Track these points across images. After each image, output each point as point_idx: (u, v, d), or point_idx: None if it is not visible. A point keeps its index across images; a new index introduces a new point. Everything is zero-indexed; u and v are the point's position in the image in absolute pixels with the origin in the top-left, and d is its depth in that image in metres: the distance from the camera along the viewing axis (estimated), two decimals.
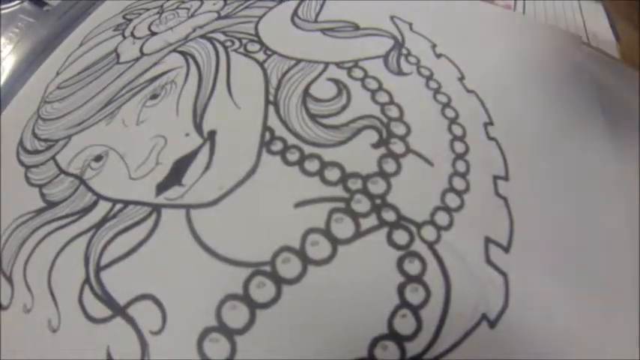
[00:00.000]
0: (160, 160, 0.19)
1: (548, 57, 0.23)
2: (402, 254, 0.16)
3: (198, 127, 0.19)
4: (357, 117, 0.19)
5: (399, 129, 0.19)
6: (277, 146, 0.19)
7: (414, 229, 0.17)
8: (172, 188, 0.18)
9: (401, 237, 0.17)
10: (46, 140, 0.22)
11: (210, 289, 0.16)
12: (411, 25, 0.23)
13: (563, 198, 0.19)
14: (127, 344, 0.16)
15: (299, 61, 0.21)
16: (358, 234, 0.17)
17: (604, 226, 0.18)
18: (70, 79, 0.24)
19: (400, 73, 0.21)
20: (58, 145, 0.21)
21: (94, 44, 0.25)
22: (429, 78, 0.21)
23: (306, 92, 0.20)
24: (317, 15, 0.23)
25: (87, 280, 0.17)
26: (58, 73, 0.25)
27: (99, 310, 0.17)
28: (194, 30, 0.24)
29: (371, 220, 0.17)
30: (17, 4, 0.29)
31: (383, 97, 0.20)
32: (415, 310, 0.16)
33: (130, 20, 0.26)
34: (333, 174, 0.18)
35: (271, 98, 0.20)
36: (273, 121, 0.19)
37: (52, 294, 0.18)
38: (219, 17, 0.24)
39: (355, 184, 0.18)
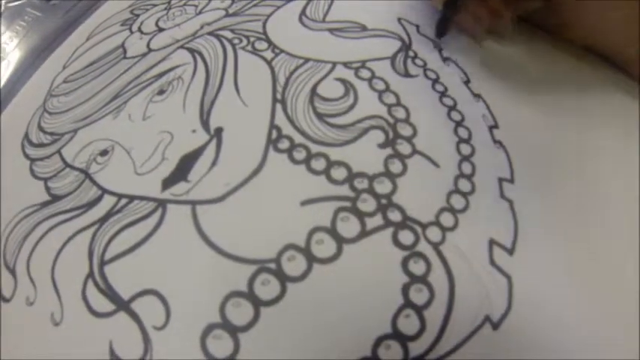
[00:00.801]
0: (166, 155, 0.19)
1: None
2: (407, 254, 0.16)
3: (205, 124, 0.19)
4: (364, 117, 0.19)
5: (405, 130, 0.19)
6: (284, 144, 0.19)
7: (419, 229, 0.17)
8: (178, 184, 0.18)
9: (406, 237, 0.17)
10: (51, 134, 0.22)
11: (215, 286, 0.16)
12: (418, 27, 0.23)
13: (568, 201, 0.19)
14: (130, 339, 0.16)
15: (307, 60, 0.21)
16: (364, 233, 0.17)
17: (608, 229, 0.18)
18: (77, 73, 0.24)
19: (407, 74, 0.21)
20: (63, 139, 0.21)
21: (101, 39, 0.25)
22: (436, 81, 0.21)
23: (313, 91, 0.20)
24: (325, 15, 0.23)
25: (91, 274, 0.17)
26: (64, 67, 0.25)
27: (102, 304, 0.17)
28: (202, 27, 0.24)
29: (376, 220, 0.17)
30: None
31: (390, 98, 0.20)
32: (419, 311, 0.16)
33: (138, 16, 0.26)
34: (339, 173, 0.18)
35: (279, 96, 0.20)
36: (281, 120, 0.19)
37: (55, 287, 0.18)
38: (227, 15, 0.24)
39: (361, 184, 0.18)
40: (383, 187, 0.18)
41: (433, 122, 0.20)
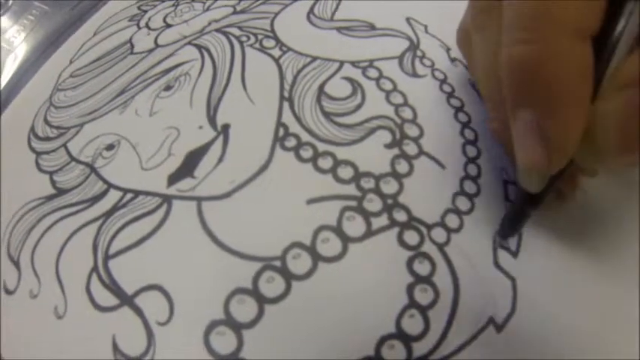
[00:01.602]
0: (172, 151, 0.19)
1: None
2: (412, 254, 0.16)
3: (212, 120, 0.19)
4: (371, 117, 0.19)
5: (412, 130, 0.19)
6: (291, 142, 0.19)
7: (424, 230, 0.17)
8: (184, 180, 0.18)
9: (411, 237, 0.17)
10: (57, 127, 0.22)
11: (219, 282, 0.16)
12: (426, 27, 0.23)
13: (572, 204, 0.19)
14: (133, 334, 0.16)
15: (314, 58, 0.21)
16: (369, 233, 0.17)
17: (612, 233, 0.18)
18: (84, 68, 0.24)
19: (415, 75, 0.21)
20: (69, 133, 0.21)
21: (109, 34, 0.25)
22: (443, 81, 0.21)
23: (321, 90, 0.20)
24: (333, 13, 0.23)
25: (95, 269, 0.17)
26: (71, 61, 0.25)
27: (106, 298, 0.17)
28: (209, 24, 0.24)
29: (382, 220, 0.17)
30: None
31: (397, 99, 0.20)
32: (423, 311, 0.16)
33: (145, 11, 0.26)
34: (346, 172, 0.18)
35: (286, 94, 0.20)
36: (288, 118, 0.19)
37: (59, 281, 0.18)
38: (235, 12, 0.24)
39: (368, 184, 0.18)
40: (389, 187, 0.18)
41: (440, 123, 0.20)
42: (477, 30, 0.17)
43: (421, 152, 0.19)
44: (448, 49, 0.22)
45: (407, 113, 0.20)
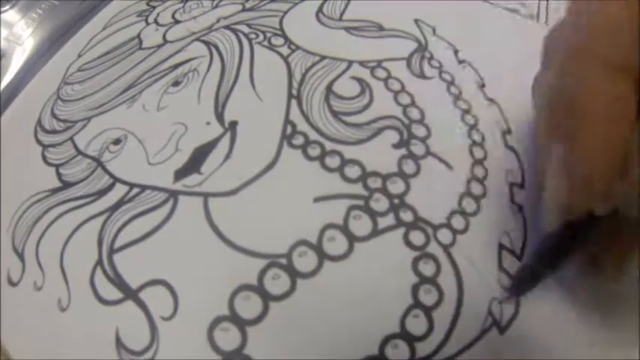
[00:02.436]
0: (179, 146, 0.19)
1: None
2: (417, 255, 0.16)
3: (220, 117, 0.20)
4: (378, 117, 0.19)
5: (419, 131, 0.19)
6: (298, 140, 0.19)
7: (430, 230, 0.17)
8: (191, 176, 0.18)
9: (417, 238, 0.17)
10: (64, 121, 0.22)
11: (224, 278, 0.16)
12: (434, 29, 0.23)
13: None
14: (137, 328, 0.16)
15: (323, 57, 0.21)
16: (375, 232, 0.17)
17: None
18: (92, 62, 0.24)
19: (422, 76, 0.21)
20: (76, 127, 0.21)
21: (117, 29, 0.25)
22: (451, 83, 0.21)
23: (329, 89, 0.20)
24: (342, 13, 0.23)
25: (99, 262, 0.17)
26: (79, 56, 0.25)
27: (110, 292, 0.17)
28: (218, 20, 0.24)
29: (388, 220, 0.17)
30: None
31: (405, 99, 0.20)
32: (428, 311, 0.16)
33: (154, 7, 0.26)
34: (353, 171, 0.18)
35: (294, 92, 0.20)
36: (295, 116, 0.19)
37: (63, 273, 0.18)
38: (244, 9, 0.24)
39: (375, 183, 0.18)
40: (396, 187, 0.18)
41: (447, 124, 0.20)
42: None
43: (428, 153, 0.19)
44: (456, 51, 0.22)
45: (414, 114, 0.20)
